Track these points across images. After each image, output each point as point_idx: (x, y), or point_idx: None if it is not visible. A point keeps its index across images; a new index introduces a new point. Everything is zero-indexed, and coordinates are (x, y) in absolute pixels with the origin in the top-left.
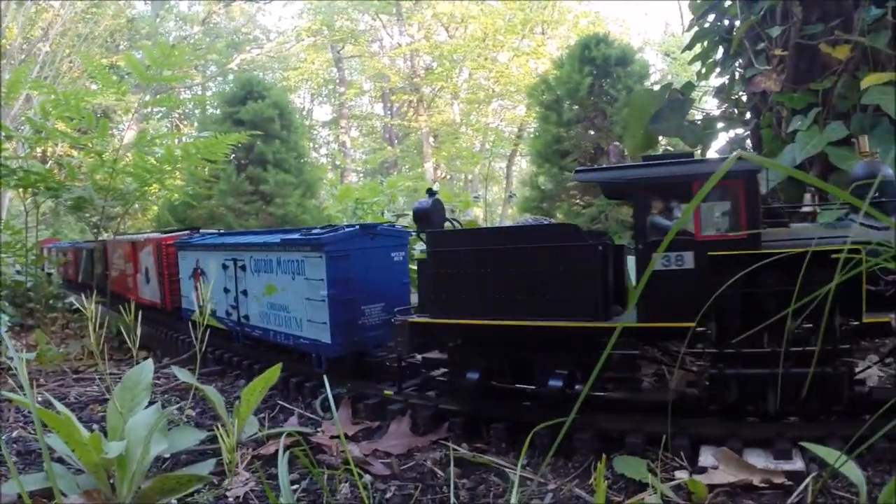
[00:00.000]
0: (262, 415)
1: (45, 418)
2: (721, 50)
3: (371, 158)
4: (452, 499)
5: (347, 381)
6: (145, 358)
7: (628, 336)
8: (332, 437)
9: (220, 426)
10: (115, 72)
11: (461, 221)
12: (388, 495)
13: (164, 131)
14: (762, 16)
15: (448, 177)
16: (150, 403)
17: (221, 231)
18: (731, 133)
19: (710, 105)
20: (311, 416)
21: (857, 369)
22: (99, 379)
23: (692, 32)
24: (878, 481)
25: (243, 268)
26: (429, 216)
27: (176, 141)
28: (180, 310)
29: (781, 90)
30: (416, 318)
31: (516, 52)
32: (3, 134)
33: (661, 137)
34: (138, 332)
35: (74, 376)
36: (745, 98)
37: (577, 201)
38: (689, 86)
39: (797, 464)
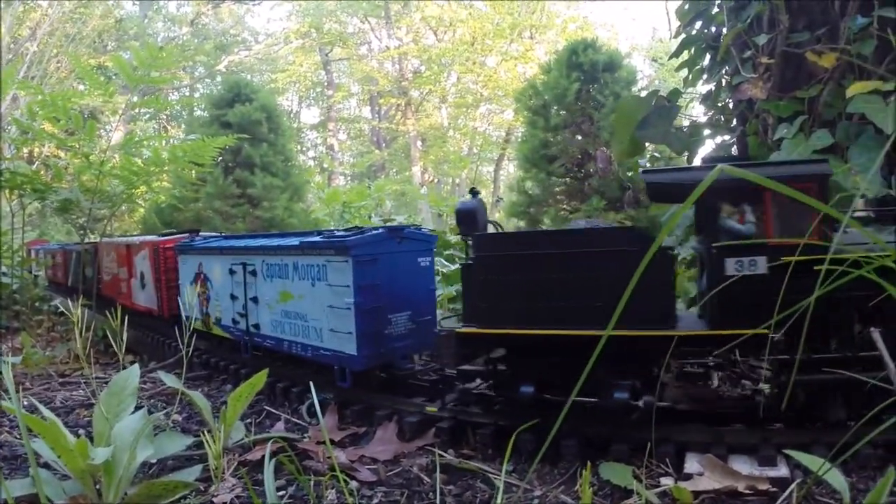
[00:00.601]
0: (248, 420)
1: (31, 424)
2: (708, 57)
3: (359, 162)
4: None
5: (376, 395)
6: (132, 362)
7: (697, 345)
8: (318, 443)
9: (206, 432)
10: (102, 72)
11: (501, 224)
12: (375, 502)
13: (152, 133)
14: (749, 23)
15: (436, 180)
16: (137, 408)
17: (223, 234)
18: (718, 140)
19: (697, 112)
20: (298, 421)
21: None
22: (84, 383)
23: (679, 39)
24: (863, 487)
25: (254, 273)
26: (475, 218)
27: (163, 143)
28: (179, 317)
29: (768, 98)
30: (464, 329)
31: (504, 57)
32: None
33: (648, 144)
34: (124, 336)
35: (60, 380)
36: (731, 105)
37: (565, 206)
38: (676, 92)
39: (782, 470)
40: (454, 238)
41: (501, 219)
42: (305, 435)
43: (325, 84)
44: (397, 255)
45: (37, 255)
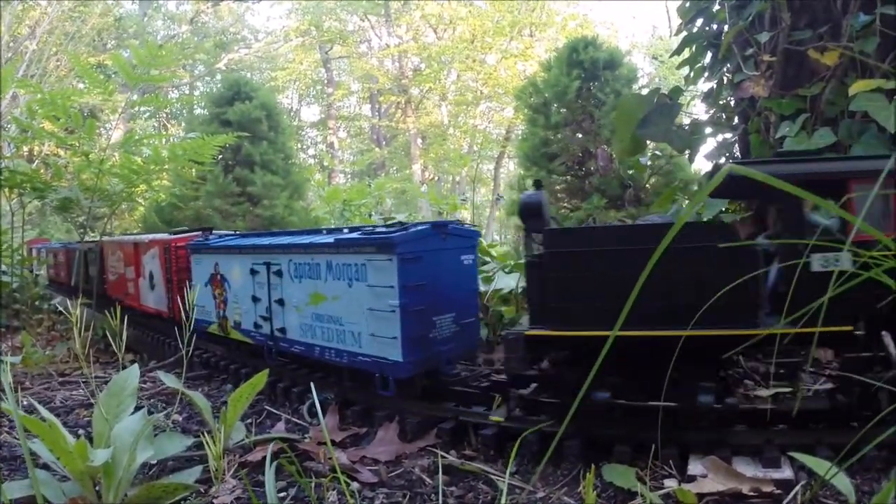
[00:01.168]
0: (249, 420)
1: (29, 425)
2: (709, 55)
3: (359, 160)
4: None
5: (431, 405)
6: (132, 361)
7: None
8: (319, 444)
9: (206, 433)
10: (102, 71)
11: (557, 219)
12: (377, 503)
13: (152, 131)
14: (751, 21)
15: (436, 178)
16: (137, 409)
17: (238, 232)
18: (719, 138)
19: (699, 110)
20: (299, 421)
21: None
22: (84, 383)
23: (680, 37)
24: (867, 489)
25: (279, 273)
26: (541, 211)
27: (163, 141)
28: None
29: (770, 96)
30: (534, 331)
31: (504, 55)
32: None
33: (649, 142)
34: (124, 336)
35: (60, 379)
36: (733, 103)
37: (565, 204)
38: (677, 90)
39: (786, 472)
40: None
41: (501, 217)
42: (306, 435)
43: (325, 82)
44: (442, 253)
45: (38, 253)
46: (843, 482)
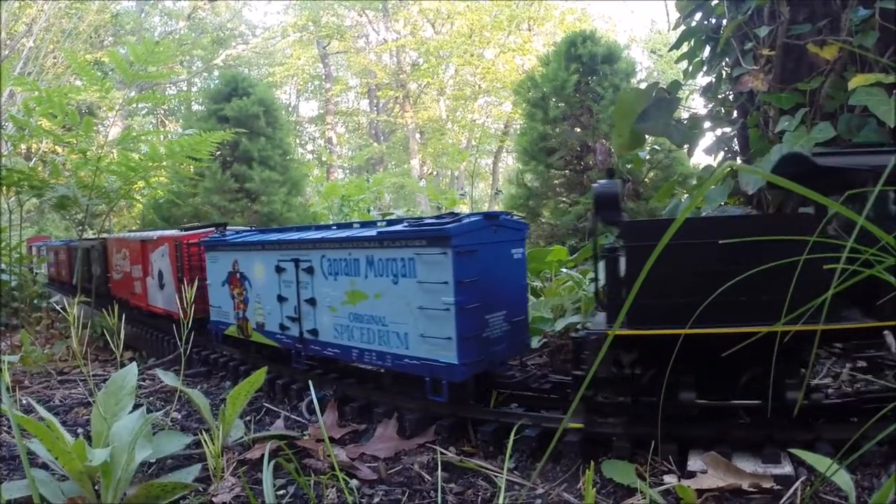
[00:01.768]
0: (248, 418)
1: (27, 425)
2: (708, 49)
3: (357, 155)
4: None
5: (504, 413)
6: (131, 359)
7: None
8: (318, 441)
9: (204, 431)
10: (99, 68)
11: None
12: (376, 500)
13: (150, 128)
14: (749, 15)
15: (434, 173)
16: (136, 407)
17: (254, 227)
18: (718, 132)
19: (697, 104)
20: (298, 418)
21: None
22: (83, 381)
23: (679, 31)
24: (867, 485)
25: (309, 270)
26: (617, 201)
27: (161, 138)
28: (204, 322)
29: (769, 90)
30: (623, 331)
31: (502, 49)
32: None
33: (647, 136)
34: (122, 334)
35: (59, 378)
36: (732, 97)
37: (564, 199)
38: (676, 84)
39: (786, 468)
40: None
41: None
42: (305, 432)
43: (323, 77)
44: (493, 246)
45: (38, 251)
46: (843, 479)
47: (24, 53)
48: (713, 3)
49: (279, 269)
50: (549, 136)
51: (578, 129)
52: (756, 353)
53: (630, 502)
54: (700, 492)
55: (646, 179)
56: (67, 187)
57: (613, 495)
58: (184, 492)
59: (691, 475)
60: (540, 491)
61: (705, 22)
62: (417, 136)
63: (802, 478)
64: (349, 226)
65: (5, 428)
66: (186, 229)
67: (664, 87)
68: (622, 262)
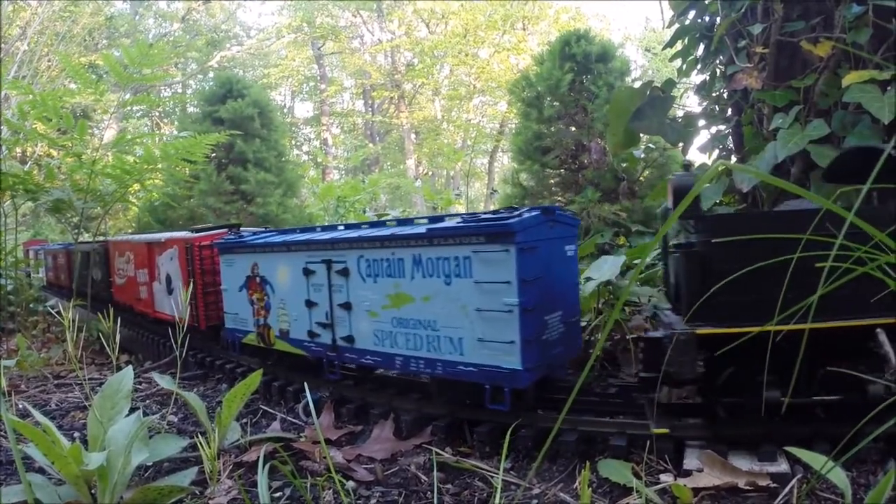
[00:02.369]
0: (244, 420)
1: (23, 430)
2: (702, 47)
3: (353, 156)
4: None
5: (587, 422)
6: (127, 362)
7: None
8: (314, 443)
9: (200, 434)
10: (93, 71)
11: None
12: (373, 502)
13: (144, 130)
14: (743, 13)
15: (430, 173)
16: (132, 410)
17: (270, 228)
18: (713, 130)
19: (692, 102)
20: (294, 420)
21: None
22: (78, 385)
23: (673, 29)
24: (863, 482)
25: (344, 272)
26: (697, 196)
27: (155, 141)
28: (218, 329)
29: (763, 87)
30: (709, 330)
31: (497, 48)
32: None
33: (642, 135)
34: (118, 337)
35: (56, 381)
36: (726, 95)
37: (559, 198)
38: (670, 83)
39: (782, 466)
40: None
41: None
42: (302, 434)
43: (318, 78)
44: (550, 243)
45: (35, 255)
46: (839, 477)
47: (18, 57)
48: (707, 1)
49: (308, 272)
50: (544, 135)
51: (573, 128)
52: (839, 349)
53: (626, 501)
54: (696, 490)
55: (641, 178)
56: (62, 191)
57: (610, 494)
58: (180, 495)
59: (687, 474)
60: (536, 491)
61: (699, 20)
62: (413, 136)
63: (798, 475)
64: (381, 224)
65: (2, 432)
66: (197, 230)
67: (658, 85)
68: (699, 258)
